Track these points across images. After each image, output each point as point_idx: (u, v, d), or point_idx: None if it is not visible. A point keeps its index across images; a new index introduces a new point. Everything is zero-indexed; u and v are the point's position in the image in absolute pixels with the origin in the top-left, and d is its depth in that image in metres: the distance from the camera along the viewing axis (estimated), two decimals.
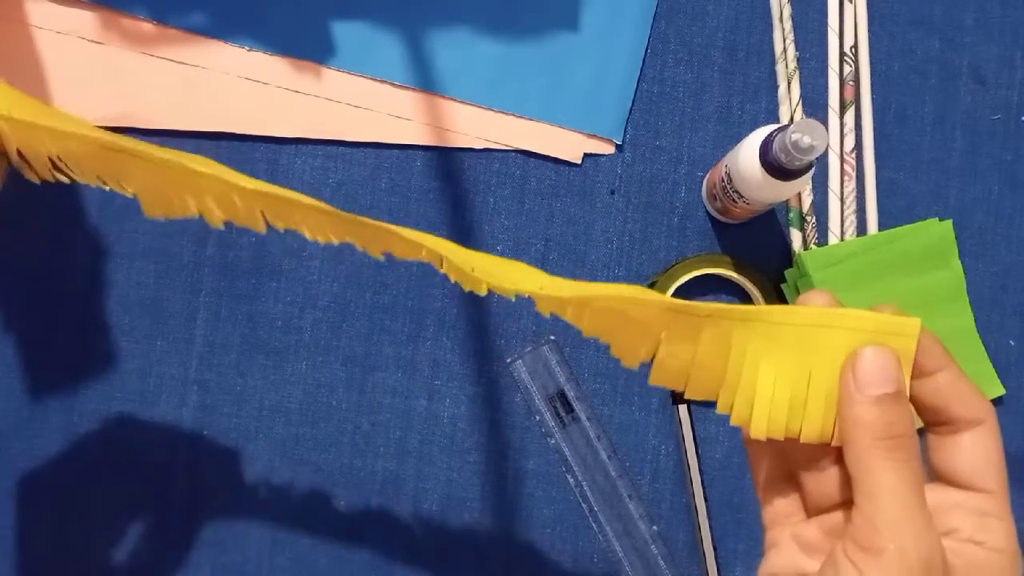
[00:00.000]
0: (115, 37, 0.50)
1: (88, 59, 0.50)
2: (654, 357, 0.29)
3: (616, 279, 0.52)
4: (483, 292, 0.30)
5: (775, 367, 0.28)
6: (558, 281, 0.30)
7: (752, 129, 0.45)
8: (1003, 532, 0.26)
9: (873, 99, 0.53)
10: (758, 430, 0.28)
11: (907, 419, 0.26)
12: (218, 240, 0.51)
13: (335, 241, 0.31)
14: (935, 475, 0.28)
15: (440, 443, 0.51)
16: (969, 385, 0.27)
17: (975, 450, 0.27)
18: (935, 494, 0.27)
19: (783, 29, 0.53)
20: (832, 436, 0.27)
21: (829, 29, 0.53)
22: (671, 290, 0.50)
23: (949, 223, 0.52)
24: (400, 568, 0.50)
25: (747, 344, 0.28)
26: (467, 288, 0.31)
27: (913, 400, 0.27)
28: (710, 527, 0.50)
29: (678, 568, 0.51)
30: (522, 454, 0.51)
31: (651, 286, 0.50)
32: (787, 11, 0.52)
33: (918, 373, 0.27)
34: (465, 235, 0.51)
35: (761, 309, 0.28)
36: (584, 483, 0.50)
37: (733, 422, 0.28)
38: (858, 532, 0.25)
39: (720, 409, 0.29)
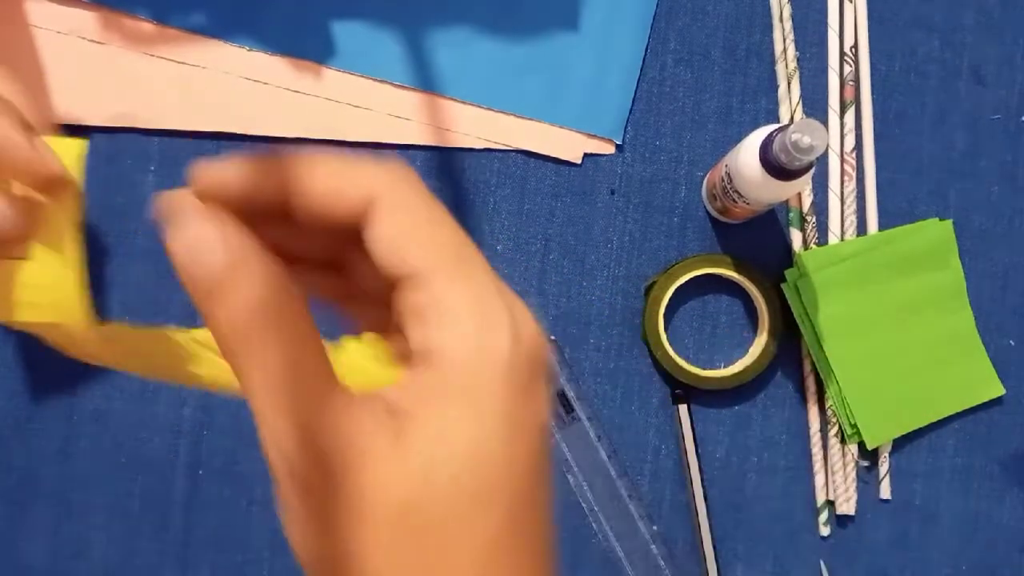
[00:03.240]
0: (116, 37, 0.50)
1: (89, 59, 0.50)
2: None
3: (616, 279, 0.52)
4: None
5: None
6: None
7: (752, 129, 0.45)
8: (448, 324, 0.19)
9: (873, 99, 0.53)
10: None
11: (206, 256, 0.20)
12: None
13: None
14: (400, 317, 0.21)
15: None
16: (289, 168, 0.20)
17: (374, 237, 0.20)
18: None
19: (783, 29, 0.53)
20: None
21: (829, 29, 0.53)
22: (671, 290, 0.50)
23: (949, 223, 0.52)
24: None
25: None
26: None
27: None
28: (710, 527, 0.50)
29: (678, 568, 0.51)
30: None
31: (651, 286, 0.50)
32: (787, 11, 0.52)
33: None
34: None
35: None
36: (584, 483, 0.50)
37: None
38: None
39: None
